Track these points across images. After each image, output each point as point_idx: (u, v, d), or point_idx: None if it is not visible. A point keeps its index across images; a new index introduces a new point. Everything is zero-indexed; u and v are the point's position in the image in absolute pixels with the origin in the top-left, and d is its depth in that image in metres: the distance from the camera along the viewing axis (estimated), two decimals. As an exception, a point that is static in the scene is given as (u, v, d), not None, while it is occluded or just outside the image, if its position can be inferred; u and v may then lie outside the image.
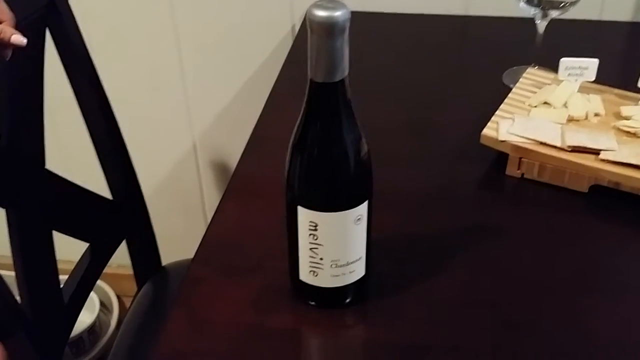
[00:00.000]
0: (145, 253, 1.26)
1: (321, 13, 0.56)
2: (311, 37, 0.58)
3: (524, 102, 0.94)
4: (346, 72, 0.59)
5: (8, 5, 0.75)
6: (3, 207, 0.89)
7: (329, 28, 0.56)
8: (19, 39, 0.73)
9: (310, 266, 0.68)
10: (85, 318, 1.67)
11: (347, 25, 0.57)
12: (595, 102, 0.93)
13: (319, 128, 0.62)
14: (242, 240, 0.81)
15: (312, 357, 0.72)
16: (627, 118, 0.90)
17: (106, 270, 1.13)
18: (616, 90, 0.96)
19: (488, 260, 0.78)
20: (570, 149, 0.85)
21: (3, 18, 0.74)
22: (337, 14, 0.56)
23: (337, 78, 0.59)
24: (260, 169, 0.92)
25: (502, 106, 0.93)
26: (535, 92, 0.95)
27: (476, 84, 1.10)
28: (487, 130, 0.89)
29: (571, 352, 0.68)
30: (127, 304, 1.23)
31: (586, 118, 0.91)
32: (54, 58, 1.01)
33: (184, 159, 1.59)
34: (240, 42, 1.40)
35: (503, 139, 0.87)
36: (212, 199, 1.64)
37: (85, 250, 1.09)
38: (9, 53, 0.75)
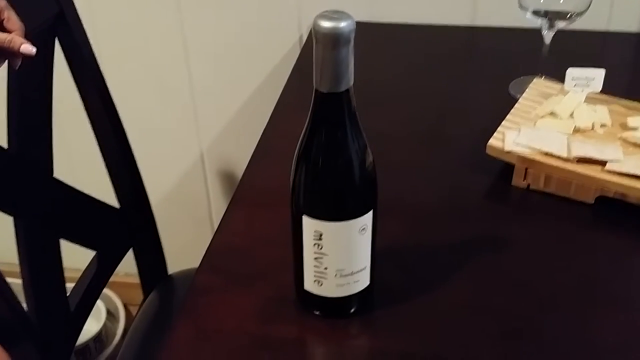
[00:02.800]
0: (152, 262, 1.26)
1: (326, 24, 0.56)
2: (316, 47, 0.58)
3: (530, 113, 0.94)
4: (351, 82, 0.59)
5: (18, 16, 0.75)
6: (11, 215, 0.90)
7: (334, 39, 0.56)
8: (28, 48, 0.73)
9: (315, 276, 0.68)
10: (92, 326, 1.67)
11: (352, 36, 0.57)
12: (601, 113, 0.92)
13: (324, 138, 0.62)
14: (248, 249, 0.82)
15: (316, 367, 0.72)
16: (633, 129, 0.90)
17: (113, 278, 1.13)
18: (623, 101, 0.96)
19: (493, 270, 0.78)
20: (576, 160, 0.85)
21: (13, 28, 0.74)
22: (343, 24, 0.56)
23: (342, 88, 0.59)
24: (266, 178, 0.92)
25: (508, 116, 0.93)
26: (541, 103, 0.95)
27: (482, 94, 1.10)
28: (493, 141, 0.89)
29: (576, 364, 0.68)
30: (134, 313, 1.23)
31: (592, 129, 0.91)
32: (62, 67, 1.02)
33: (191, 167, 1.59)
34: (248, 52, 1.41)
35: (509, 150, 0.87)
36: (219, 208, 1.65)
37: (92, 259, 1.09)
38: (19, 62, 0.75)
